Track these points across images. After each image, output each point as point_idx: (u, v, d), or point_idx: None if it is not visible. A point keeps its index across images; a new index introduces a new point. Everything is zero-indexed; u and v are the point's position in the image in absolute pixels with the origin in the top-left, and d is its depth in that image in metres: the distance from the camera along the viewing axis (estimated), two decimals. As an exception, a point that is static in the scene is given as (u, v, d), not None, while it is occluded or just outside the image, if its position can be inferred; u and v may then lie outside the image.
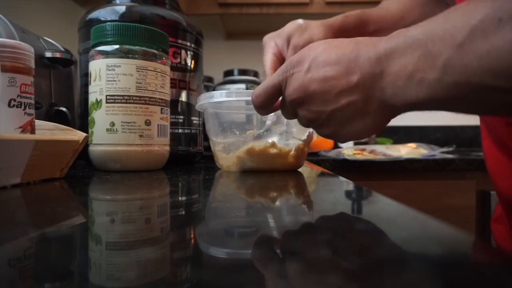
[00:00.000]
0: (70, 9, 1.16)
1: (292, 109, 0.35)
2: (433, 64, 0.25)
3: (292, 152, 0.49)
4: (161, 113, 0.52)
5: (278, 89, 0.35)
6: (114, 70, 0.48)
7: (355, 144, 1.14)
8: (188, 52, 0.65)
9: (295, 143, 0.50)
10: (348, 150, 0.98)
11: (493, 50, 0.23)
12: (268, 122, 0.50)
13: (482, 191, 0.92)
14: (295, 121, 0.39)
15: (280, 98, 0.37)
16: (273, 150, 0.48)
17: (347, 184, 0.40)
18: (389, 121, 0.32)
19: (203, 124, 0.72)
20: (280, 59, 0.51)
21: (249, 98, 0.39)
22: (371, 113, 0.31)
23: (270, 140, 0.48)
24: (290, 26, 0.51)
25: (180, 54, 0.63)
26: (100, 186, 0.38)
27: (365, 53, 0.29)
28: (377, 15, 0.54)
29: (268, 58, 0.51)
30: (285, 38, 0.50)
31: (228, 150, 0.50)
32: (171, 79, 0.59)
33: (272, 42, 0.51)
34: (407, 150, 0.99)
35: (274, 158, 0.49)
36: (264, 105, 0.37)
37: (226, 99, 0.47)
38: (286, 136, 0.49)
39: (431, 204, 0.91)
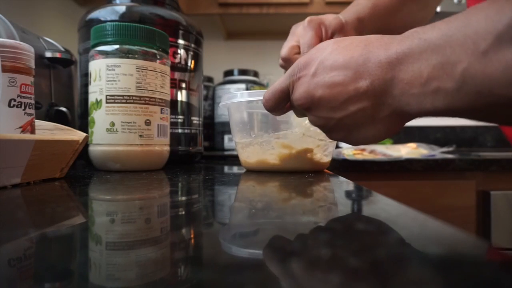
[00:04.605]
0: (70, 9, 1.15)
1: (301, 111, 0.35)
2: (451, 72, 0.23)
3: (316, 153, 0.49)
4: (161, 113, 0.52)
5: (286, 93, 0.34)
6: (114, 70, 0.48)
7: (355, 144, 1.14)
8: (188, 52, 0.65)
9: (316, 143, 0.49)
10: (348, 150, 0.98)
11: None
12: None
13: (482, 191, 0.92)
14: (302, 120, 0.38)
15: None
16: (308, 153, 0.48)
17: (347, 184, 0.40)
18: (403, 126, 0.30)
19: (203, 124, 0.72)
20: (298, 49, 0.50)
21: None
22: (383, 120, 0.29)
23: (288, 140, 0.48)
24: (333, 22, 0.49)
25: (180, 54, 0.63)
26: (100, 186, 0.38)
27: (375, 56, 0.27)
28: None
29: (287, 44, 0.50)
30: (330, 33, 0.49)
31: (249, 149, 0.50)
32: (171, 79, 0.59)
33: (311, 31, 0.48)
34: (407, 150, 0.99)
35: (304, 159, 0.49)
36: (275, 109, 0.37)
37: (247, 99, 0.47)
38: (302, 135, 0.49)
39: (431, 204, 0.91)
